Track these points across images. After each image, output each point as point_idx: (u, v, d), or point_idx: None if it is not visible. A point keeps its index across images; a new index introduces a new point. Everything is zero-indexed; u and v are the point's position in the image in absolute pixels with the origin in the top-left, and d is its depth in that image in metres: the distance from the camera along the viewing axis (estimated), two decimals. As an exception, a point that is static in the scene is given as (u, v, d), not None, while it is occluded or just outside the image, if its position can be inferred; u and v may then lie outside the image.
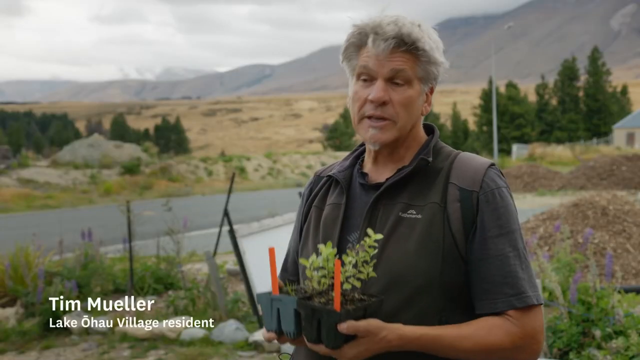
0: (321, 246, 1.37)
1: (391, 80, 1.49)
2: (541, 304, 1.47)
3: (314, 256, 1.36)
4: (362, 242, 1.37)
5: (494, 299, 1.44)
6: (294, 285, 1.42)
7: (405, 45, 1.48)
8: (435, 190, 1.50)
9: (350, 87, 1.57)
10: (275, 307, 1.34)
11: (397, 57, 1.48)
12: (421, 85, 1.53)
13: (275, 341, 1.39)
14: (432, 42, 1.51)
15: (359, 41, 1.52)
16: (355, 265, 1.36)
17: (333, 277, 1.33)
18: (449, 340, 1.39)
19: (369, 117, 1.51)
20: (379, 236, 1.35)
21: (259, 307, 1.41)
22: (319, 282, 1.36)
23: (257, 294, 1.37)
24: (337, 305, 1.27)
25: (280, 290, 1.41)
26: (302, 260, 1.38)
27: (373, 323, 1.31)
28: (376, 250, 1.38)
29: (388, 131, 1.51)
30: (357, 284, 1.35)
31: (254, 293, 5.62)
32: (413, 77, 1.50)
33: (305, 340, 1.32)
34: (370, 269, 1.36)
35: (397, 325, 1.35)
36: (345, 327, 1.27)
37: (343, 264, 1.35)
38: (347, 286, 1.34)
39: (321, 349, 1.31)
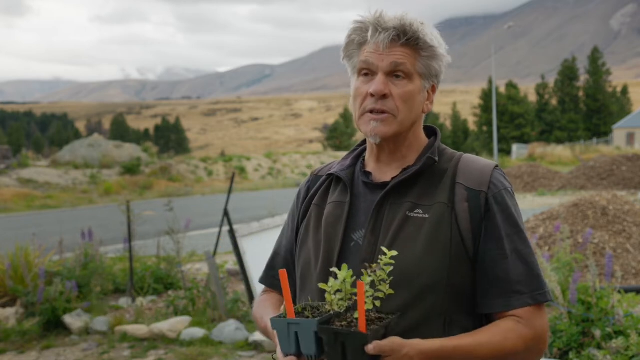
0: (335, 269, 1.37)
1: (391, 74, 1.50)
2: (547, 301, 1.48)
3: (332, 280, 1.35)
4: (378, 261, 1.37)
5: (509, 297, 1.44)
6: (303, 304, 1.41)
7: (406, 37, 1.48)
8: (442, 190, 1.50)
9: (352, 84, 1.57)
10: (293, 331, 1.32)
11: (398, 50, 1.49)
12: (422, 81, 1.53)
13: None
14: (434, 38, 1.51)
15: (360, 38, 1.53)
16: (372, 285, 1.35)
17: (351, 299, 1.33)
18: (467, 350, 1.39)
19: (370, 112, 1.51)
20: (394, 253, 1.35)
21: (273, 330, 1.39)
22: (337, 305, 1.35)
23: (271, 318, 1.36)
24: (362, 327, 1.27)
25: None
26: (321, 286, 1.37)
27: (396, 341, 1.31)
28: (392, 267, 1.37)
29: (388, 124, 1.51)
30: (377, 304, 1.35)
31: (254, 293, 5.62)
32: (414, 72, 1.51)
33: None
34: (387, 287, 1.36)
35: (416, 341, 1.36)
36: (372, 348, 1.27)
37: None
38: (367, 307, 1.33)
39: None
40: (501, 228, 1.47)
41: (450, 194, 1.49)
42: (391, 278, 1.36)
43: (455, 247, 1.45)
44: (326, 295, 1.35)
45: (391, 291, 1.36)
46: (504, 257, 1.45)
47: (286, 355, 1.35)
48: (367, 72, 1.52)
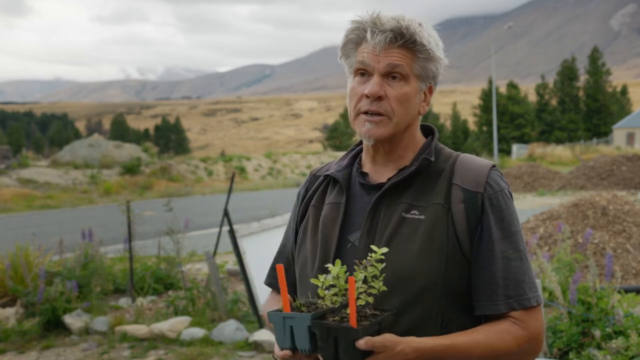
0: (330, 265, 1.37)
1: (387, 76, 1.49)
2: (540, 304, 1.48)
3: (324, 275, 1.37)
4: (368, 258, 1.37)
5: (496, 301, 1.45)
6: (302, 300, 1.42)
7: (403, 39, 1.47)
8: (439, 191, 1.50)
9: (349, 84, 1.57)
10: (288, 325, 1.34)
11: (394, 52, 1.48)
12: (418, 83, 1.52)
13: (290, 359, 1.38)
14: (432, 39, 1.50)
15: (357, 37, 1.52)
16: (365, 281, 1.36)
17: (345, 295, 1.34)
18: (462, 348, 1.40)
19: (365, 113, 1.51)
20: (384, 250, 1.36)
21: (271, 325, 1.40)
22: (331, 300, 1.36)
23: (269, 312, 1.37)
24: (353, 322, 1.28)
25: (290, 305, 1.40)
26: (313, 280, 1.38)
27: (389, 338, 1.32)
28: (383, 264, 1.38)
29: (383, 126, 1.50)
30: (370, 300, 1.36)
31: (254, 293, 5.62)
32: (410, 74, 1.50)
33: (322, 359, 1.32)
34: (381, 284, 1.36)
35: (411, 339, 1.36)
36: (363, 343, 1.27)
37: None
38: (360, 302, 1.34)
39: None
40: (493, 231, 1.47)
41: (447, 195, 1.49)
42: (383, 275, 1.37)
43: (451, 249, 1.45)
44: (319, 291, 1.36)
45: (384, 288, 1.36)
46: (496, 260, 1.45)
47: (282, 349, 1.36)
48: (363, 72, 1.51)
